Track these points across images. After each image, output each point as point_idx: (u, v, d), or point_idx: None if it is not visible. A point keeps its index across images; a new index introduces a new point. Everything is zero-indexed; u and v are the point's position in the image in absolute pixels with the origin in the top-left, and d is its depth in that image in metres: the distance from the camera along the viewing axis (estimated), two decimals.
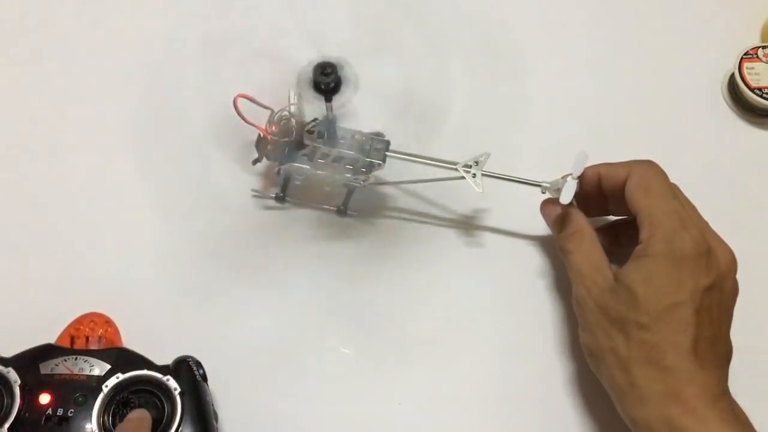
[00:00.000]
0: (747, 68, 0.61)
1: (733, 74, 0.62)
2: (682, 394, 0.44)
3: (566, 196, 0.50)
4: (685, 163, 0.60)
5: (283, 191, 0.58)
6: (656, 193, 0.49)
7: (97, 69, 0.63)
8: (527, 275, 0.57)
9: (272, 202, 0.58)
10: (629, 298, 0.46)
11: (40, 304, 0.55)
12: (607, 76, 0.64)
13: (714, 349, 0.46)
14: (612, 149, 0.61)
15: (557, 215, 0.53)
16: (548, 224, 0.55)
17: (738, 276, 0.49)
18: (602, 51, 0.65)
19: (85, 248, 0.57)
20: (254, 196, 0.58)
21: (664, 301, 0.46)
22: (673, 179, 0.58)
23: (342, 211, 0.58)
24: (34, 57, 0.64)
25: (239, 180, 0.59)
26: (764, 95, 0.61)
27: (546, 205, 0.55)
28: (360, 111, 0.52)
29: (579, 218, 0.52)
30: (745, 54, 0.62)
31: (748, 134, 0.63)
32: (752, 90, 0.61)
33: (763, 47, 0.62)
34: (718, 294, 0.47)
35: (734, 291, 0.48)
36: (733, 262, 0.48)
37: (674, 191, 0.50)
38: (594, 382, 0.50)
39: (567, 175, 0.51)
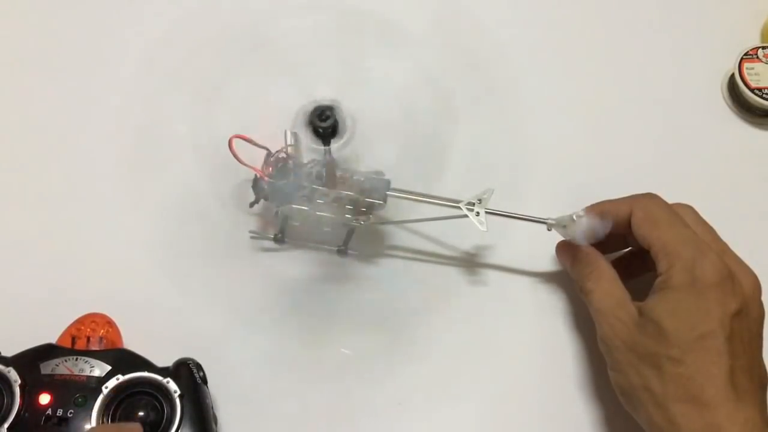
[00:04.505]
0: (747, 68, 0.61)
1: (733, 74, 0.62)
2: None
3: (579, 237, 0.50)
4: (685, 163, 0.61)
5: (282, 232, 0.56)
6: (665, 224, 0.48)
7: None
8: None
9: (271, 243, 0.57)
10: (657, 332, 0.45)
11: (41, 303, 0.55)
12: (607, 77, 0.64)
13: (750, 377, 0.45)
14: (612, 150, 0.61)
15: (573, 255, 0.52)
16: (564, 265, 0.54)
17: None
18: (602, 51, 0.65)
19: (87, 248, 0.57)
20: (252, 237, 0.57)
21: (694, 331, 0.44)
22: (673, 180, 0.58)
23: (343, 251, 0.57)
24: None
25: (237, 221, 0.58)
26: (764, 95, 0.61)
27: (561, 246, 0.54)
28: (360, 150, 0.52)
29: (595, 256, 0.51)
30: (745, 54, 0.62)
31: (748, 134, 0.63)
32: (752, 90, 0.61)
33: (763, 47, 0.62)
34: (746, 319, 0.46)
35: (761, 315, 0.47)
36: (757, 285, 0.47)
37: (683, 219, 0.49)
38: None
39: (573, 214, 0.51)
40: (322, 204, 0.53)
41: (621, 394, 0.48)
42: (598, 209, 0.51)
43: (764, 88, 0.61)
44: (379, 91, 0.61)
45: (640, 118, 0.63)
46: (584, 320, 0.55)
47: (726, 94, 0.63)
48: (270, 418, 0.53)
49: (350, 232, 0.56)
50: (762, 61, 0.62)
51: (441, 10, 0.66)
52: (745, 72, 0.61)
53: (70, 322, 0.52)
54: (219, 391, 0.51)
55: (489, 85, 0.64)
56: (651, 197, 0.50)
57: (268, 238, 0.57)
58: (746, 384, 0.44)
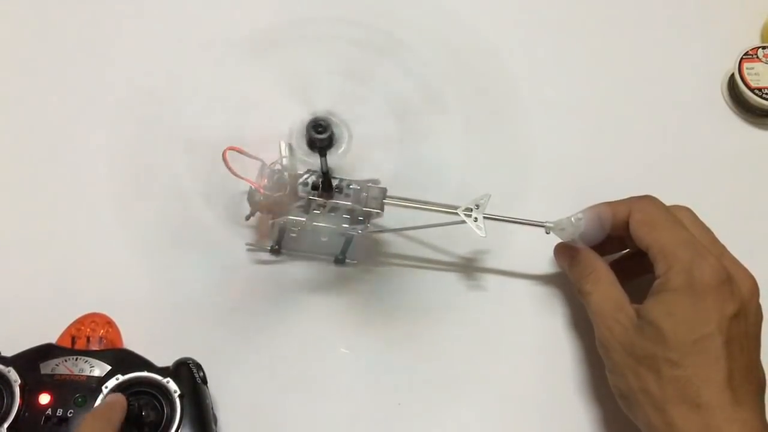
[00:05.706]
0: (747, 68, 0.61)
1: (733, 74, 0.62)
2: None
3: (578, 239, 0.50)
4: (685, 163, 0.61)
5: (279, 243, 0.56)
6: (663, 227, 0.48)
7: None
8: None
9: (267, 255, 0.57)
10: (655, 334, 0.45)
11: (41, 303, 0.55)
12: (606, 78, 0.64)
13: (748, 379, 0.45)
14: (611, 152, 0.61)
15: (571, 257, 0.52)
16: (563, 267, 0.54)
17: None
18: (601, 52, 0.65)
19: (87, 249, 0.57)
20: (249, 249, 0.57)
21: (692, 334, 0.44)
22: (672, 180, 0.58)
23: (340, 260, 0.56)
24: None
25: (232, 233, 0.57)
26: (764, 95, 0.61)
27: (559, 248, 0.54)
28: (356, 160, 0.51)
29: (593, 258, 0.51)
30: (745, 54, 0.62)
31: (748, 134, 0.63)
32: (752, 90, 0.61)
33: (763, 47, 0.62)
34: (744, 322, 0.46)
35: (759, 317, 0.48)
36: (755, 288, 0.47)
37: (681, 221, 0.49)
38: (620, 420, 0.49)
39: (571, 216, 0.51)
40: (318, 214, 0.53)
41: (619, 396, 0.48)
42: (596, 211, 0.51)
43: (764, 88, 0.61)
44: (374, 99, 0.60)
45: (639, 118, 0.63)
46: (583, 322, 0.55)
47: (726, 94, 0.63)
48: (269, 418, 0.53)
49: (348, 241, 0.55)
50: (762, 61, 0.62)
51: (436, 14, 0.66)
52: (745, 72, 0.61)
53: (70, 322, 0.52)
54: (219, 391, 0.51)
55: (486, 88, 0.64)
56: (649, 199, 0.50)
57: (264, 250, 0.57)
58: (744, 386, 0.44)
